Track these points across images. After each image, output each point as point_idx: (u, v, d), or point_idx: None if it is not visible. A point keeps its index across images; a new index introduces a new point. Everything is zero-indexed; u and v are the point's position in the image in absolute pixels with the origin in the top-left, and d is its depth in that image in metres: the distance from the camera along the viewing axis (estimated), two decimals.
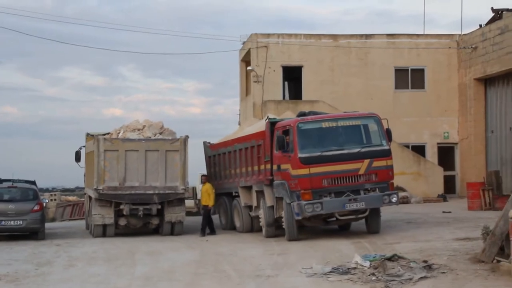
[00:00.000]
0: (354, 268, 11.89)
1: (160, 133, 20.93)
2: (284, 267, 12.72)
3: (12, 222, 19.42)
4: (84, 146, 23.06)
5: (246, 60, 33.97)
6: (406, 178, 29.93)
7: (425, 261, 12.29)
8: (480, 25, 31.08)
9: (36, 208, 19.73)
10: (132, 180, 19.61)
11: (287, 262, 13.34)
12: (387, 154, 16.71)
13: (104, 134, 21.31)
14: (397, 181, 29.53)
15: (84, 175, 23.38)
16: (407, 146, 31.46)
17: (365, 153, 16.44)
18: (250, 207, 19.48)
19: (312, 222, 17.23)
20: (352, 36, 32.64)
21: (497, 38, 28.70)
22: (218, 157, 22.12)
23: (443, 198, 29.71)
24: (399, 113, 31.58)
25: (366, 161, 16.34)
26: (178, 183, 19.76)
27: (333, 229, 18.88)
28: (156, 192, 19.64)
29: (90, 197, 21.27)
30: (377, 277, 11.15)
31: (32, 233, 19.94)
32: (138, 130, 20.95)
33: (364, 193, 16.37)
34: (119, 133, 21.10)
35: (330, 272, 11.74)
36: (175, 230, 20.14)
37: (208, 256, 15.07)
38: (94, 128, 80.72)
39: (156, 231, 20.54)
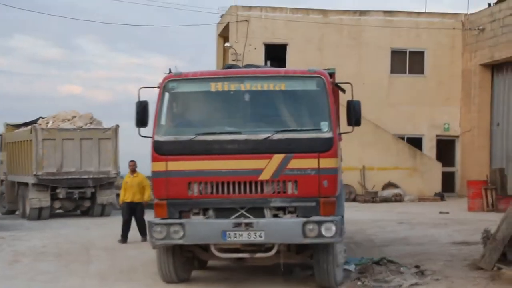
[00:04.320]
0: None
1: (91, 123, 24.88)
2: (262, 269, 12.64)
3: None
4: (0, 135, 28.12)
5: (224, 36, 33.92)
6: (400, 174, 30.16)
7: (417, 266, 12.32)
8: (489, 4, 31.26)
9: None
10: (69, 166, 23.62)
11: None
12: (324, 147, 10.38)
13: (26, 124, 26.05)
14: (390, 176, 30.00)
15: (1, 162, 27.72)
16: (402, 138, 31.67)
17: (278, 143, 10.38)
18: None
19: (223, 255, 10.94)
20: (344, 12, 32.75)
21: (507, 19, 28.84)
22: None
23: (440, 197, 30.00)
24: (394, 100, 31.79)
25: (277, 158, 10.32)
26: (110, 168, 24.00)
27: None
28: (91, 176, 23.82)
29: (18, 183, 25.53)
30: (363, 283, 11.16)
31: None
32: (68, 120, 24.81)
33: (274, 215, 10.48)
34: (47, 123, 24.77)
35: (312, 275, 11.72)
36: (105, 211, 24.44)
37: None
38: (49, 107, 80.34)
39: (86, 213, 24.87)
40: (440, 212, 23.52)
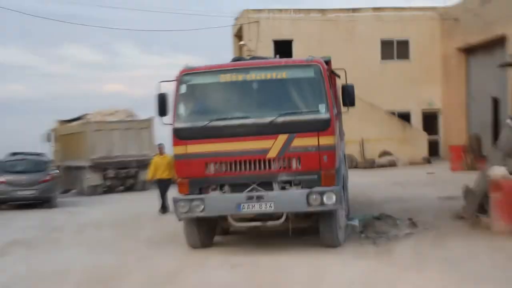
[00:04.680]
0: (345, 226, 12.03)
1: (130, 116, 26.59)
2: (275, 231, 12.70)
3: (25, 192, 19.80)
4: (52, 129, 29.54)
5: (238, 35, 33.94)
6: (393, 143, 30.16)
7: (410, 219, 12.46)
8: None
9: (47, 178, 20.07)
10: (116, 151, 25.08)
11: None
12: (323, 127, 10.04)
13: (74, 119, 28.05)
14: (384, 146, 30.05)
15: (55, 152, 28.82)
16: (394, 113, 31.63)
17: (282, 125, 10.07)
18: None
19: (241, 224, 10.73)
20: (340, 10, 32.62)
21: (478, 10, 28.69)
22: None
23: (427, 160, 29.97)
24: (385, 82, 31.78)
25: (282, 138, 10.03)
26: (148, 151, 24.66)
27: None
28: (134, 159, 25.02)
29: (74, 167, 26.28)
30: (366, 235, 11.31)
31: (44, 202, 20.20)
32: (111, 114, 26.48)
33: (282, 188, 10.20)
34: (95, 117, 26.24)
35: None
36: (145, 187, 24.83)
37: None
38: (96, 104, 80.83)
39: (129, 189, 25.62)
40: (428, 173, 23.61)
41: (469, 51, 30.68)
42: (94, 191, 24.85)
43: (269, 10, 32.26)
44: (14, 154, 21.98)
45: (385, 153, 29.95)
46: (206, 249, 11.05)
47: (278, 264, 9.57)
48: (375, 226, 11.96)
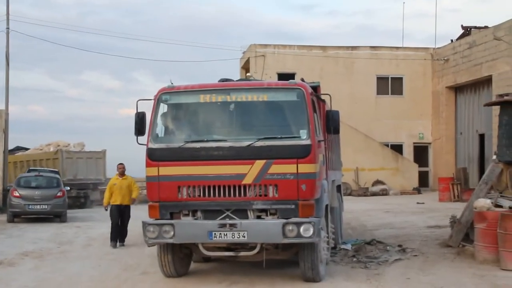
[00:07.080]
0: (339, 250, 11.91)
1: (83, 148, 30.03)
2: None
3: (38, 206, 19.69)
4: None
5: (245, 68, 33.99)
6: (386, 173, 30.09)
7: (400, 245, 12.35)
8: (452, 40, 31.20)
9: (59, 194, 19.98)
10: (79, 175, 27.92)
11: None
12: (302, 153, 8.81)
13: (12, 150, 31.25)
14: (378, 175, 29.93)
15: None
16: (387, 145, 31.55)
17: (260, 150, 8.85)
18: None
19: (214, 252, 9.50)
20: (339, 47, 32.66)
21: (466, 52, 28.78)
22: None
23: (417, 191, 29.82)
24: (380, 116, 31.73)
25: (259, 163, 8.79)
26: (101, 176, 28.57)
27: None
28: (91, 182, 28.15)
29: None
30: (357, 259, 11.16)
31: (55, 216, 20.06)
32: (65, 146, 29.90)
33: (257, 217, 8.94)
34: (50, 147, 29.84)
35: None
36: (92, 205, 27.44)
37: None
38: (111, 126, 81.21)
39: (79, 207, 26.81)
40: (417, 203, 23.42)
41: (458, 89, 30.68)
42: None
43: (275, 45, 32.32)
44: (31, 170, 21.88)
45: (378, 182, 29.81)
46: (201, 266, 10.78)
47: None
48: (367, 250, 11.81)
